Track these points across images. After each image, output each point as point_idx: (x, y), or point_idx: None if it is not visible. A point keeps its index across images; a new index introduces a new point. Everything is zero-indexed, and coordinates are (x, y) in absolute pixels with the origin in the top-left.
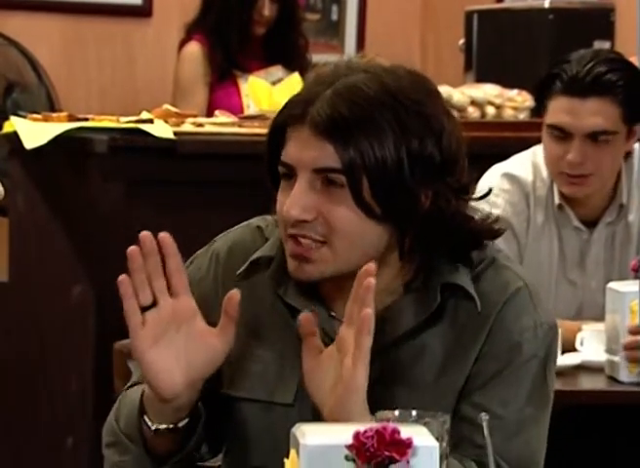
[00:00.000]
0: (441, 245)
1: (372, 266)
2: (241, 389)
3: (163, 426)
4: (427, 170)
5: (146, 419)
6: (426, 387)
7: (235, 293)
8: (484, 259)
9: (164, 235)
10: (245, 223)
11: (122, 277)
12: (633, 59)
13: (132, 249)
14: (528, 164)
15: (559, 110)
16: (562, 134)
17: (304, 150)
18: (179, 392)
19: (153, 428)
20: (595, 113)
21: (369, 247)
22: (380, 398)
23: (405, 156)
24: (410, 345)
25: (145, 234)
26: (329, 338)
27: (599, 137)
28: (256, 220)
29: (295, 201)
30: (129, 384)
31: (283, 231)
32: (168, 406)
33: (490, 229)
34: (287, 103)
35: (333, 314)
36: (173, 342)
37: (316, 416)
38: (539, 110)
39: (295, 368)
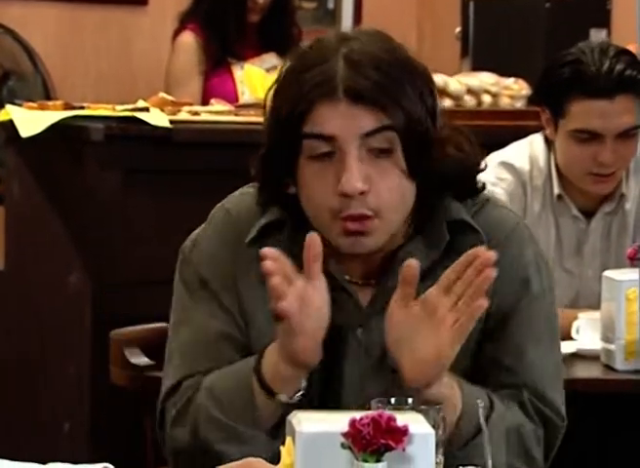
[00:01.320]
0: (448, 184)
1: (492, 255)
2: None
3: (299, 394)
4: (435, 120)
5: (279, 397)
6: None
7: (314, 238)
8: (479, 200)
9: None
10: (238, 192)
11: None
12: (631, 47)
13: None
14: (525, 153)
15: (587, 114)
16: (590, 136)
17: (347, 120)
18: (318, 352)
19: (294, 400)
20: (624, 112)
21: (407, 207)
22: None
23: (424, 111)
24: (423, 286)
25: (267, 251)
26: (349, 297)
27: (628, 134)
28: (248, 187)
29: (354, 173)
30: (181, 378)
31: (330, 216)
32: (303, 369)
33: (482, 153)
34: (298, 89)
35: (347, 278)
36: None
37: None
38: (537, 102)
39: None
